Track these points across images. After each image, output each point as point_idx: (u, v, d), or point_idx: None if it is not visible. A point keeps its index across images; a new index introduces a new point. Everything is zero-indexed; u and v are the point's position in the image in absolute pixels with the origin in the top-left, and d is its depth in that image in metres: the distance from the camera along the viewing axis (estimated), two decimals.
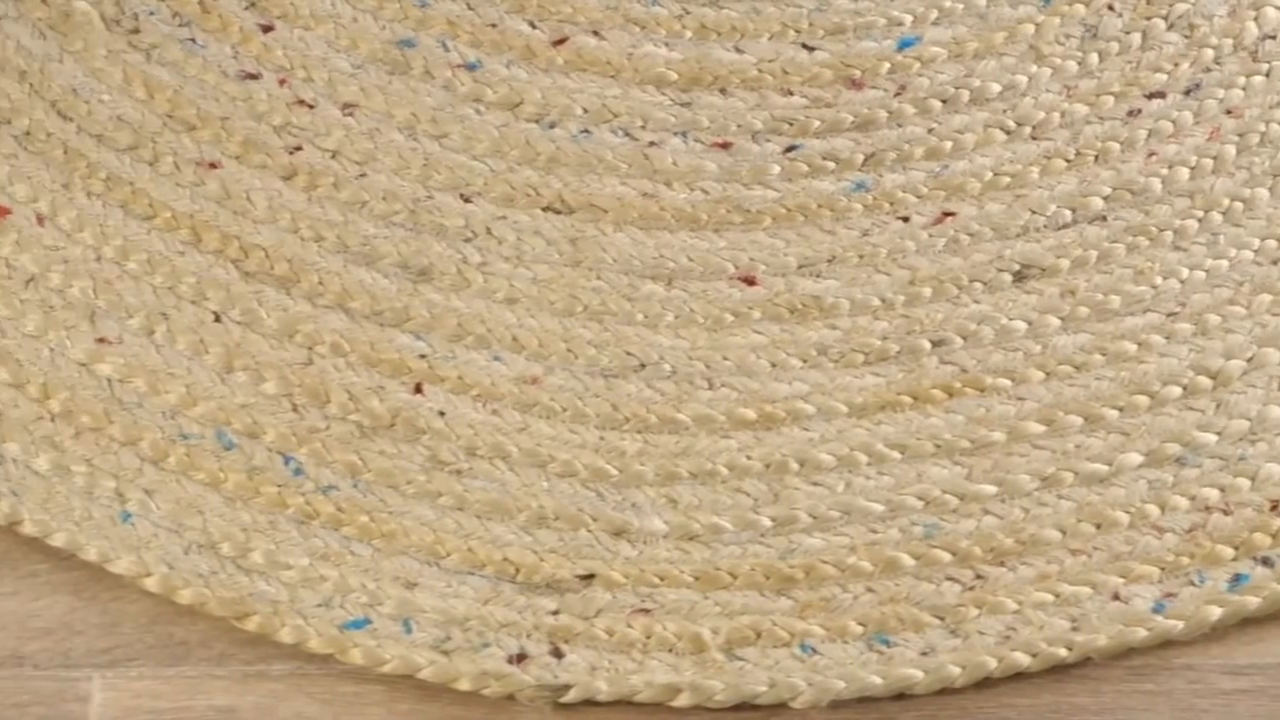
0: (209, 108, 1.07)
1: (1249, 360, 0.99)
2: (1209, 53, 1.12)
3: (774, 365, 0.98)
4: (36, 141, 1.05)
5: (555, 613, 0.89)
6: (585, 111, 1.08)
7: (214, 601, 0.88)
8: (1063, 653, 0.88)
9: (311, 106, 1.07)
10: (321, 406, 0.95)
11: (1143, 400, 0.97)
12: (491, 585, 0.90)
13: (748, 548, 0.92)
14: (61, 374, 0.96)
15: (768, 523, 0.92)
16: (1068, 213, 1.05)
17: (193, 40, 1.10)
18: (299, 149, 1.06)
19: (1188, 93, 1.11)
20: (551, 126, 1.07)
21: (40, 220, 1.02)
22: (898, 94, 1.09)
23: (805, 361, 0.98)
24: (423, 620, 0.88)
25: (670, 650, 0.88)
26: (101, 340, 0.97)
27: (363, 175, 1.04)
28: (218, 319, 0.98)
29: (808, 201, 1.04)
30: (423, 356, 0.97)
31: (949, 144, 1.07)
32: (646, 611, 0.89)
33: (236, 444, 0.94)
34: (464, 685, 0.86)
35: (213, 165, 1.05)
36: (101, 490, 0.92)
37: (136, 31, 1.09)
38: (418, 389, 0.96)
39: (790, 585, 0.90)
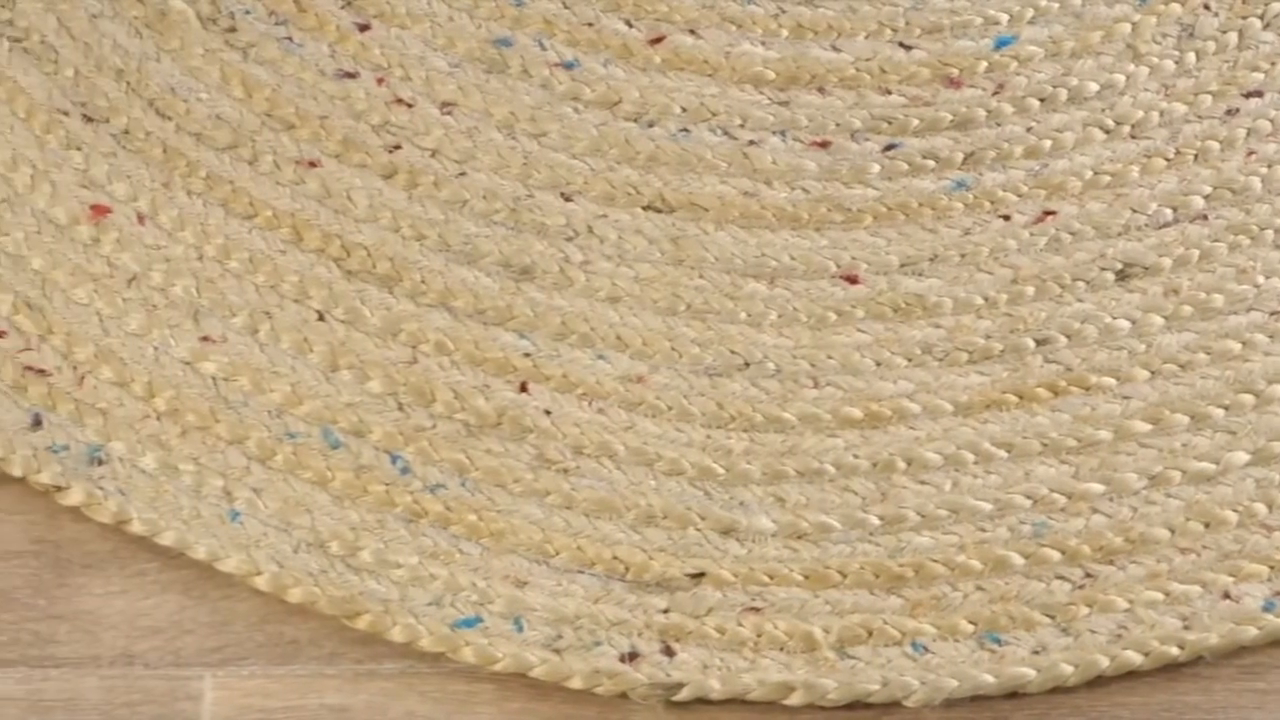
0: (307, 106, 1.07)
1: None
2: None
3: (878, 364, 0.98)
4: (135, 140, 1.05)
5: (666, 611, 0.89)
6: (683, 110, 1.08)
7: (324, 600, 0.88)
8: (1175, 651, 0.88)
9: (410, 105, 1.07)
10: (427, 405, 0.95)
11: (1248, 399, 0.97)
12: (601, 584, 0.90)
13: (857, 546, 0.91)
14: (166, 373, 0.96)
15: (876, 521, 0.92)
16: (1169, 211, 1.05)
17: (289, 39, 1.10)
18: (398, 148, 1.06)
19: None
20: (650, 125, 1.07)
21: (141, 219, 1.02)
22: (996, 93, 1.09)
23: (910, 360, 0.98)
24: (533, 619, 0.88)
25: (781, 649, 0.88)
26: (205, 339, 0.97)
27: (462, 174, 1.04)
28: (321, 318, 0.98)
29: (908, 200, 1.04)
30: (527, 355, 0.97)
31: (1048, 143, 1.07)
32: (757, 610, 0.89)
33: (343, 443, 0.94)
34: (576, 684, 0.86)
35: (312, 164, 1.05)
36: (209, 489, 0.92)
37: (233, 30, 1.10)
38: (523, 388, 0.96)
39: (900, 584, 0.90)
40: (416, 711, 0.87)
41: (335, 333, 0.98)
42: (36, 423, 0.94)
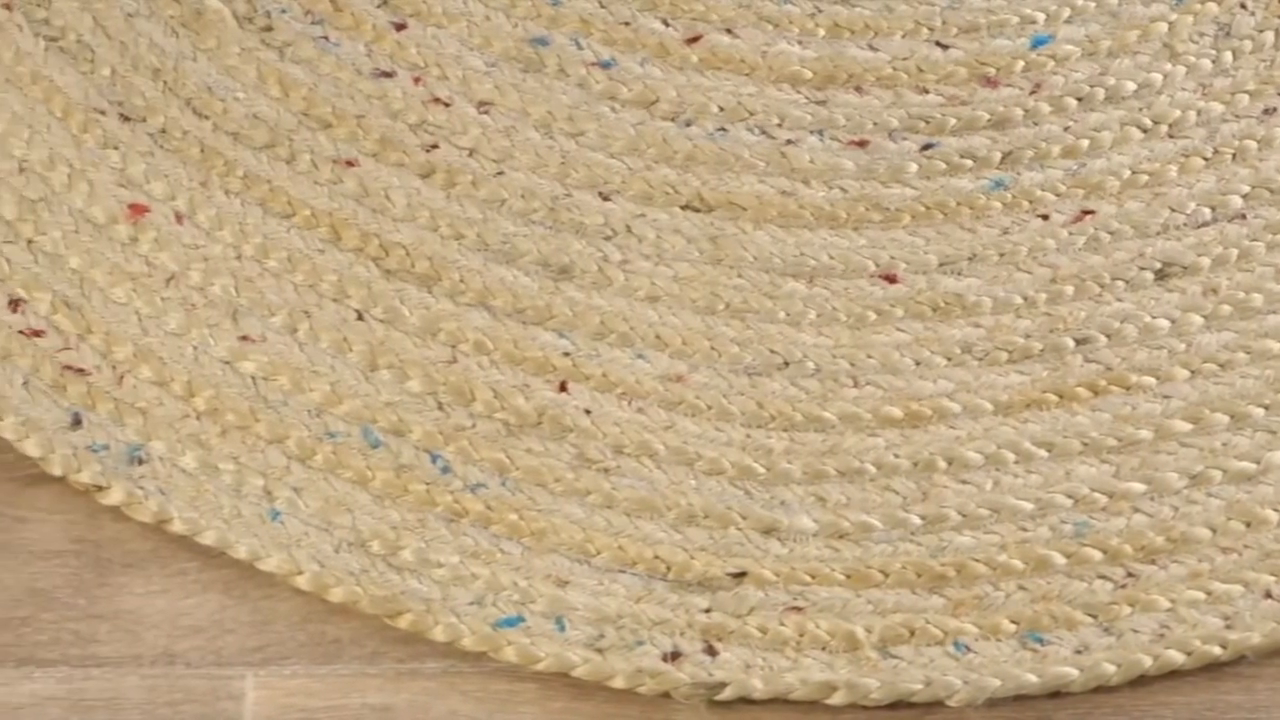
0: (344, 106, 1.07)
1: None
2: None
3: (918, 363, 0.98)
4: (172, 139, 1.05)
5: (708, 611, 0.89)
6: (721, 110, 1.08)
7: (366, 600, 0.88)
8: (1217, 650, 0.88)
9: (447, 105, 1.07)
10: (467, 404, 0.95)
11: None
12: (643, 583, 0.90)
13: (898, 546, 0.91)
14: (205, 372, 0.96)
15: (917, 521, 0.92)
16: (1207, 210, 1.05)
17: (325, 38, 1.10)
18: (435, 147, 1.05)
19: None
20: (688, 125, 1.07)
21: (179, 218, 1.02)
22: (1033, 92, 1.09)
23: (949, 359, 0.98)
24: (575, 618, 0.88)
25: (824, 648, 0.88)
26: (244, 338, 0.97)
27: (500, 173, 1.04)
28: (360, 317, 0.98)
29: (946, 199, 1.04)
30: (566, 354, 0.97)
31: (1086, 142, 1.07)
32: (799, 609, 0.89)
33: (383, 442, 0.94)
34: (618, 683, 0.86)
35: (350, 163, 1.05)
36: (249, 488, 0.92)
37: (269, 29, 1.10)
38: (562, 387, 0.96)
39: (942, 583, 0.90)
40: (459, 711, 0.87)
41: (374, 332, 0.98)
42: (76, 422, 0.94)
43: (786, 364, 0.97)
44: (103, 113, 1.06)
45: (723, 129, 1.07)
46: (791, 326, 0.99)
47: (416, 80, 1.08)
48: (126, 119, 1.06)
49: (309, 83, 1.08)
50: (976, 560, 0.90)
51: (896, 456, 0.94)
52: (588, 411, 0.95)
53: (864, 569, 0.90)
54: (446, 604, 0.88)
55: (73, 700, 0.86)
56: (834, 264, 1.01)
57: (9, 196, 1.02)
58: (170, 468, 0.93)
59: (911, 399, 0.96)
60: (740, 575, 0.90)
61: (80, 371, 0.96)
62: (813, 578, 0.90)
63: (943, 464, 0.94)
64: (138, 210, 1.02)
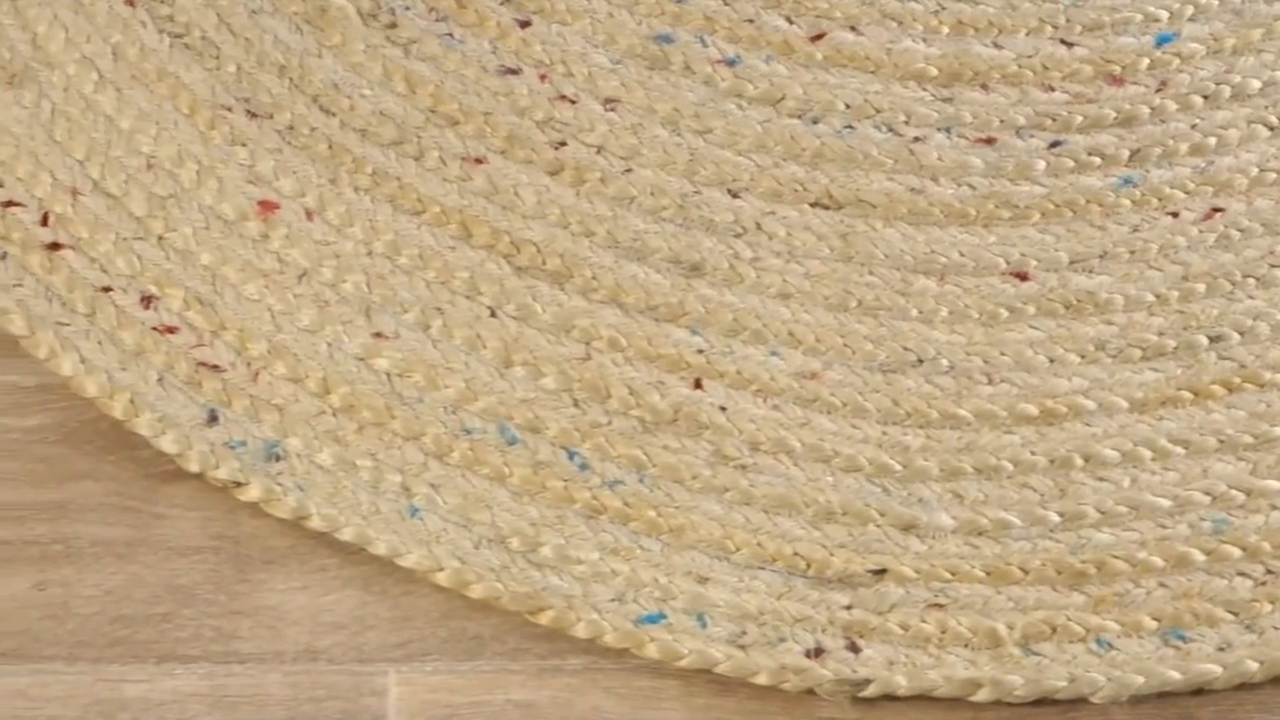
0: (471, 103, 1.07)
1: None
2: None
3: (1052, 361, 0.98)
4: (300, 136, 1.05)
5: (849, 607, 0.89)
6: (847, 107, 1.08)
7: (507, 596, 0.88)
8: None
9: (573, 102, 1.07)
10: (602, 401, 0.95)
11: None
12: (783, 580, 0.90)
13: (1037, 543, 0.91)
14: (340, 369, 0.96)
15: (1056, 518, 0.92)
16: None
17: (450, 35, 1.10)
18: (563, 144, 1.06)
19: None
20: (814, 122, 1.07)
21: (309, 215, 1.02)
22: (1159, 90, 1.09)
23: (1083, 357, 0.98)
24: (716, 615, 0.88)
25: (966, 645, 0.88)
26: (378, 335, 0.97)
27: (628, 170, 1.05)
28: (493, 314, 0.98)
29: (1076, 197, 1.05)
30: (700, 352, 0.97)
31: (1213, 140, 1.07)
32: (940, 606, 0.89)
33: (520, 439, 0.94)
34: (762, 680, 0.86)
35: (478, 160, 1.05)
36: (387, 485, 0.92)
37: (394, 26, 1.10)
38: (697, 384, 0.96)
39: (1082, 581, 0.90)
40: (602, 707, 0.87)
41: (507, 329, 0.98)
42: (212, 418, 0.94)
43: (920, 361, 0.97)
44: (229, 109, 1.06)
45: (850, 126, 1.07)
46: (924, 324, 0.99)
47: (542, 77, 1.08)
48: (253, 116, 1.06)
49: (435, 80, 1.08)
50: (1116, 557, 0.90)
51: (1033, 454, 0.94)
52: (723, 408, 0.95)
53: (1004, 566, 0.90)
54: (587, 600, 0.88)
55: (215, 697, 0.86)
56: (965, 261, 1.02)
57: (138, 193, 1.03)
58: (307, 464, 0.93)
59: (1047, 396, 0.96)
60: (880, 572, 0.90)
61: (215, 368, 0.96)
62: (953, 575, 0.90)
63: (1080, 461, 0.94)
64: (267, 207, 1.02)
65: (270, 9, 1.10)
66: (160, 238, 1.01)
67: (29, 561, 0.90)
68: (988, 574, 0.90)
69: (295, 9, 1.10)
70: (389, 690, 0.87)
